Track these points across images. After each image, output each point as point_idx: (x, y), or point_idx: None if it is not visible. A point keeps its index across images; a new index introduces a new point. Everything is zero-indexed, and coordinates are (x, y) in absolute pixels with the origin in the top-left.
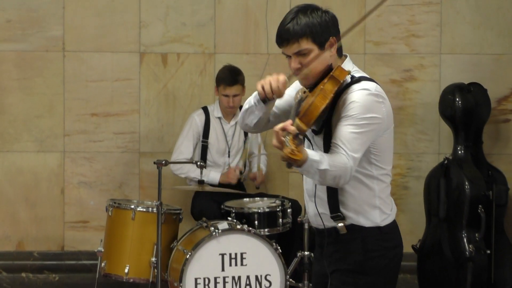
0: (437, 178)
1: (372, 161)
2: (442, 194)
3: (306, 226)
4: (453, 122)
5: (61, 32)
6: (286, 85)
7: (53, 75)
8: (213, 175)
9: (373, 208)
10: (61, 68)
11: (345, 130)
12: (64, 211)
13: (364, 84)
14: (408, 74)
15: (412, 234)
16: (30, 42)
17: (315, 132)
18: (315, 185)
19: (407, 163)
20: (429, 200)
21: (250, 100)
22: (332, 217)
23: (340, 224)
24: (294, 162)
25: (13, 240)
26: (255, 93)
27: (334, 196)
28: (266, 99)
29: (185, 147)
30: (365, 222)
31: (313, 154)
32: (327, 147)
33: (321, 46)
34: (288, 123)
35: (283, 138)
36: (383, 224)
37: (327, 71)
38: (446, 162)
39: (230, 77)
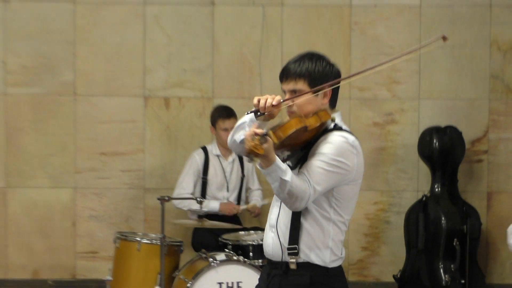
0: (416, 213)
1: (332, 205)
2: (421, 228)
3: None
4: (430, 162)
5: (72, 77)
6: (280, 106)
7: (65, 117)
8: (213, 204)
9: (325, 248)
10: (72, 111)
11: (314, 164)
12: (75, 242)
13: (344, 133)
14: (389, 118)
15: (393, 265)
16: (44, 86)
17: (290, 168)
18: (278, 216)
19: (389, 200)
20: (408, 233)
21: (243, 118)
22: (288, 249)
23: (292, 260)
24: (256, 157)
25: (29, 269)
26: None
27: (296, 228)
28: (258, 112)
29: (186, 184)
30: (316, 259)
31: (281, 163)
32: None
33: (315, 92)
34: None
35: (252, 138)
36: (331, 265)
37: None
38: (424, 198)
39: (226, 112)
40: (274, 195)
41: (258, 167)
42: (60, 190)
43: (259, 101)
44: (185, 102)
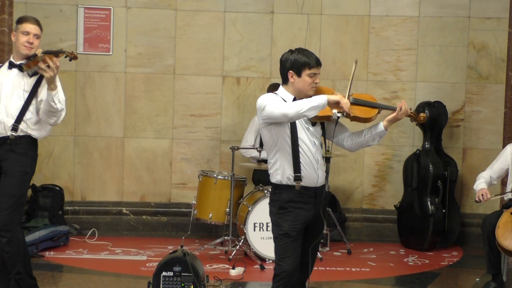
0: (412, 162)
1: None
2: (415, 172)
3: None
4: (423, 126)
5: (173, 61)
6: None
7: (167, 89)
8: (264, 154)
9: None
10: (172, 85)
11: None
12: (171, 176)
13: None
14: (394, 94)
15: (394, 198)
16: (153, 67)
17: (313, 124)
18: (319, 157)
19: (392, 152)
20: (406, 176)
21: (311, 104)
22: (325, 177)
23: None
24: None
25: (138, 194)
26: (318, 101)
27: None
28: (344, 113)
29: (249, 138)
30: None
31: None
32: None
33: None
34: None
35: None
36: None
37: None
38: (417, 151)
39: (278, 87)
40: (305, 148)
41: (377, 130)
42: (162, 140)
43: (338, 103)
44: (250, 80)
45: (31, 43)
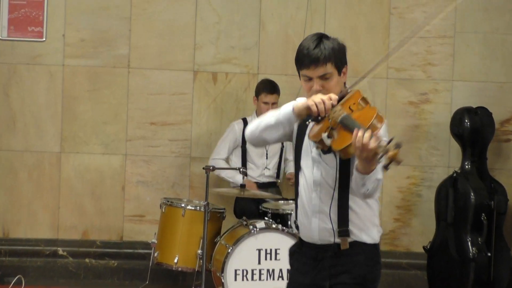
0: (446, 188)
1: None
2: (450, 202)
3: None
4: (461, 140)
5: (127, 51)
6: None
7: (119, 88)
8: (238, 178)
9: (374, 226)
10: (126, 82)
11: None
12: (124, 206)
13: None
14: (424, 97)
15: (423, 236)
16: (100, 59)
17: (324, 152)
18: (319, 201)
19: (421, 174)
20: (438, 207)
21: (277, 116)
22: (339, 231)
23: (344, 240)
24: (389, 164)
25: (79, 230)
26: (284, 110)
27: (345, 212)
28: (319, 117)
29: (221, 148)
30: (367, 239)
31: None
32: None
33: (339, 71)
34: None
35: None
36: (378, 241)
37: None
38: (454, 174)
39: (270, 87)
40: (303, 184)
41: (355, 170)
42: (111, 156)
43: (317, 106)
44: (231, 77)
45: None
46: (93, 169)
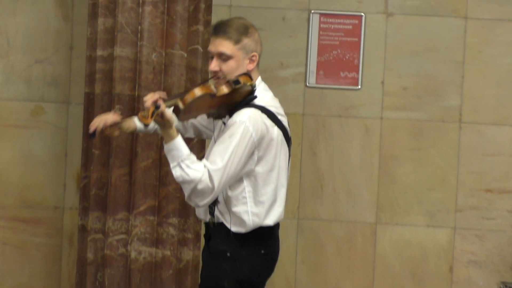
0: None
1: None
2: None
3: None
4: None
5: (458, 102)
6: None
7: (448, 146)
8: None
9: None
10: (456, 140)
11: None
12: None
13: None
14: None
15: None
16: (426, 111)
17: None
18: None
19: None
20: None
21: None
22: None
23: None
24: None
25: None
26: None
27: None
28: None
29: None
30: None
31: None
32: None
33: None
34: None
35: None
36: None
37: None
38: None
39: None
40: None
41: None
42: (437, 229)
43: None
44: None
45: None
46: (415, 244)
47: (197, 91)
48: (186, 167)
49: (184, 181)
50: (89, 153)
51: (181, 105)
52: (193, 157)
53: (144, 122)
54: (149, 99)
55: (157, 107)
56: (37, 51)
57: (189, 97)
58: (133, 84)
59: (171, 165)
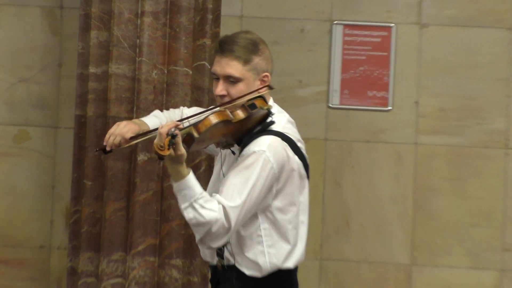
0: None
1: None
2: None
3: None
4: None
5: (504, 125)
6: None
7: (492, 176)
8: None
9: None
10: (502, 169)
11: None
12: None
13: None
14: None
15: None
16: (466, 136)
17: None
18: None
19: None
20: None
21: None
22: None
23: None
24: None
25: None
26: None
27: None
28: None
29: None
30: None
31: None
32: None
33: None
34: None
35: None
36: None
37: None
38: None
39: None
40: None
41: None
42: (481, 272)
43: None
44: None
45: None
46: (456, 287)
47: (213, 118)
48: (200, 207)
49: (199, 224)
50: (80, 185)
51: (195, 134)
52: (207, 195)
53: (161, 154)
54: (164, 127)
55: (173, 136)
56: (22, 68)
57: (204, 125)
58: (131, 105)
59: (182, 206)
